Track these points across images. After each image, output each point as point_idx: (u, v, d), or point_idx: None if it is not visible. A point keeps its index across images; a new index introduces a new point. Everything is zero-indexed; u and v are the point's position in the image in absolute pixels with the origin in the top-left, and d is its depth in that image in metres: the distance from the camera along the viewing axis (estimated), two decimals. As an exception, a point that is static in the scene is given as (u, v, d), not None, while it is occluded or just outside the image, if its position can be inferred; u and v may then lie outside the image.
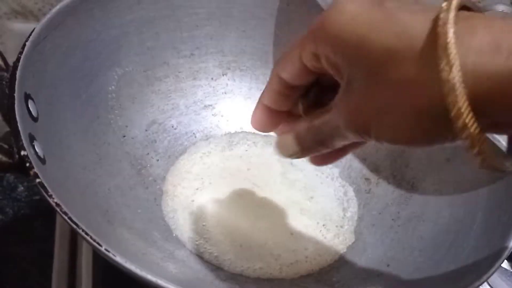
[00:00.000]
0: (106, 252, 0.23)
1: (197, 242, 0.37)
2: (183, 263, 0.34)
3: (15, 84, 0.28)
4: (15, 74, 0.29)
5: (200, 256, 0.36)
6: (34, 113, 0.30)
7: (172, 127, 0.44)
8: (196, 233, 0.37)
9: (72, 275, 0.40)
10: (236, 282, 0.34)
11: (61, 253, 0.40)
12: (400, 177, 0.42)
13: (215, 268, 0.35)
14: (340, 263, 0.38)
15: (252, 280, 0.35)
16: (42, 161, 0.28)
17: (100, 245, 0.23)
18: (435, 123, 0.20)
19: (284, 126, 0.29)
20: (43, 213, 0.48)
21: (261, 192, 0.42)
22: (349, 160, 0.45)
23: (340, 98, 0.23)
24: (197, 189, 0.41)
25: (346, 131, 0.23)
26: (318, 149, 0.26)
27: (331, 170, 0.45)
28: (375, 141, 0.22)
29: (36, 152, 0.27)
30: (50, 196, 0.24)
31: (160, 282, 0.22)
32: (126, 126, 0.41)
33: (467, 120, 0.18)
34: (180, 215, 0.38)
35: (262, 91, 0.28)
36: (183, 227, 0.37)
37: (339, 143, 0.25)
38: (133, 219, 0.35)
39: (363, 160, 0.45)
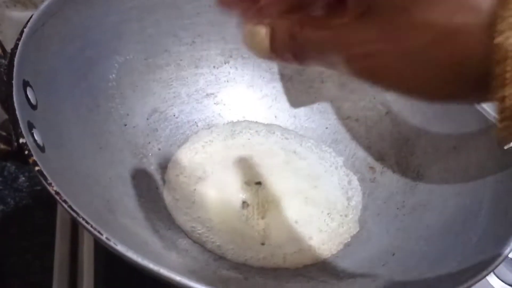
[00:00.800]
0: (107, 241, 0.22)
1: (199, 232, 0.36)
2: (185, 253, 0.34)
3: (13, 71, 0.27)
4: (13, 60, 0.28)
5: (202, 245, 0.35)
6: (33, 100, 0.29)
7: (174, 115, 0.43)
8: (198, 222, 0.37)
9: (74, 266, 0.40)
10: (240, 272, 0.34)
11: (62, 244, 0.40)
12: (405, 166, 0.42)
13: (218, 257, 0.35)
14: (345, 252, 0.37)
15: (255, 270, 0.35)
16: (41, 149, 0.27)
17: (101, 234, 0.23)
18: (468, 80, 0.17)
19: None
20: (45, 204, 0.48)
21: (265, 181, 0.41)
22: (354, 148, 0.45)
23: (348, 25, 0.19)
24: (199, 178, 0.40)
25: (345, 68, 0.19)
26: (289, 59, 0.22)
27: (335, 159, 0.44)
28: (377, 87, 0.19)
29: (35, 140, 0.27)
30: (50, 184, 0.24)
31: (162, 271, 0.22)
32: (127, 115, 0.40)
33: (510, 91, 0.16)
34: (182, 205, 0.38)
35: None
36: (185, 217, 0.37)
37: (317, 65, 0.21)
38: (135, 209, 0.34)
39: (367, 148, 0.44)
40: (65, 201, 0.23)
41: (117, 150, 0.38)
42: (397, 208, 0.40)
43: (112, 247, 0.22)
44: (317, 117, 0.47)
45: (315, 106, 0.47)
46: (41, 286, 0.41)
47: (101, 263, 0.38)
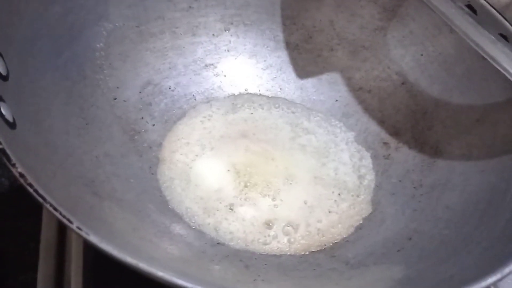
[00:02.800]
0: (78, 231, 0.19)
1: (195, 214, 0.33)
2: (180, 238, 0.31)
3: (-24, 36, 0.24)
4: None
5: (199, 230, 0.33)
6: (2, 70, 0.26)
7: (169, 88, 0.40)
8: (194, 203, 0.34)
9: (62, 249, 0.37)
10: (240, 259, 0.31)
11: (49, 226, 0.37)
12: (423, 141, 0.39)
13: (216, 243, 0.32)
14: (356, 236, 0.34)
15: (258, 256, 0.32)
16: (11, 125, 0.25)
17: (71, 222, 0.20)
18: None
19: None
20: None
21: (269, 158, 0.38)
22: (366, 123, 0.42)
23: None
24: (196, 155, 0.37)
25: None
26: None
27: (345, 134, 0.41)
28: None
29: (2, 115, 0.24)
30: (13, 165, 0.21)
31: (141, 265, 0.19)
32: (117, 88, 0.37)
33: None
34: (178, 185, 0.35)
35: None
36: (180, 198, 0.34)
37: None
38: (124, 190, 0.32)
39: (381, 122, 0.41)
40: (30, 185, 0.20)
41: (106, 126, 0.35)
42: (414, 187, 0.37)
43: (84, 237, 0.19)
44: (326, 89, 0.44)
45: (324, 76, 0.44)
46: (34, 268, 0.39)
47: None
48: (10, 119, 0.25)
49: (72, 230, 0.20)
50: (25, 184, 0.20)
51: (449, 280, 0.25)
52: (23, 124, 0.26)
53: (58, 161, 0.28)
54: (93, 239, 0.19)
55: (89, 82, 0.35)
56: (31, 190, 0.20)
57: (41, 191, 0.20)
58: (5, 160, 0.21)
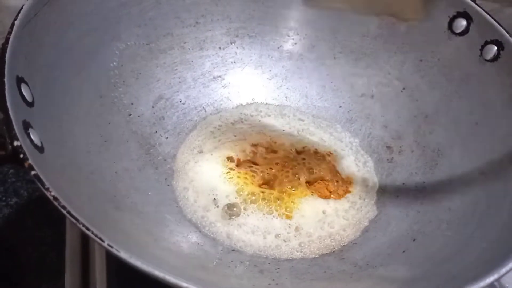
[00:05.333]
0: (110, 248, 0.21)
1: (209, 223, 0.35)
2: (197, 247, 0.33)
3: (4, 67, 0.26)
4: (4, 56, 0.26)
5: (213, 238, 0.34)
6: (28, 97, 0.28)
7: (180, 102, 0.42)
8: (207, 212, 0.35)
9: (86, 257, 0.39)
10: (254, 264, 0.33)
11: (73, 236, 0.39)
12: (425, 145, 0.40)
13: (231, 250, 0.34)
14: (363, 239, 0.36)
15: (270, 261, 0.34)
16: (40, 149, 0.26)
17: (103, 240, 0.22)
18: None
19: None
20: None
21: (279, 165, 0.40)
22: (369, 128, 0.43)
23: None
24: (208, 165, 0.39)
25: None
26: None
27: (349, 139, 0.43)
28: None
29: (31, 141, 0.25)
30: (47, 189, 0.22)
31: (168, 277, 0.21)
32: (132, 104, 0.39)
33: None
34: (191, 195, 0.36)
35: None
36: (194, 207, 0.36)
37: None
38: (143, 203, 0.33)
39: (384, 127, 0.43)
40: (63, 207, 0.22)
41: (123, 142, 0.36)
42: (417, 190, 0.38)
43: (115, 254, 0.21)
44: (330, 96, 0.45)
45: (328, 84, 0.45)
46: (56, 277, 0.41)
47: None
48: (38, 143, 0.26)
49: (103, 247, 0.22)
50: (58, 207, 0.22)
51: (452, 280, 0.27)
52: (49, 147, 0.27)
53: (82, 179, 0.30)
54: (124, 255, 0.21)
55: (105, 100, 0.36)
56: (64, 212, 0.22)
57: (74, 213, 0.22)
58: (39, 184, 0.23)
